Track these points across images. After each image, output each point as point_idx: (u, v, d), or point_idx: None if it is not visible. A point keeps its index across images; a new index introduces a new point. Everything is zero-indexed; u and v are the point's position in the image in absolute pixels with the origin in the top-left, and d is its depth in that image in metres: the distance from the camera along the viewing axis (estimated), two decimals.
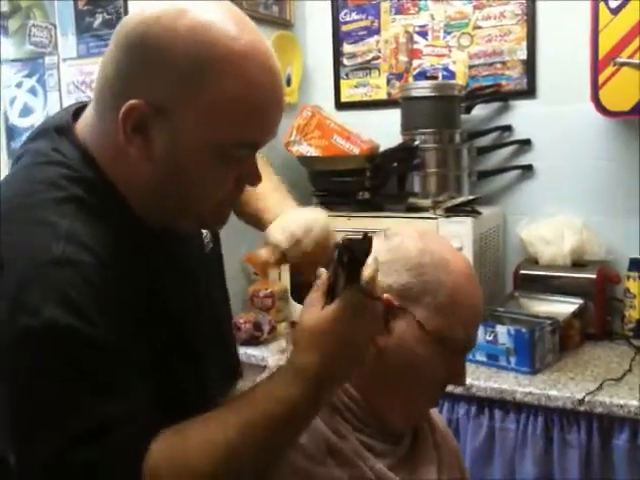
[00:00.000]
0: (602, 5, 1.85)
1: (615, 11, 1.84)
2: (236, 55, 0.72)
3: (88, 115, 0.81)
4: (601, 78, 1.89)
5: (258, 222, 1.00)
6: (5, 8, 2.32)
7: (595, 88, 1.90)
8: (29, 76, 2.31)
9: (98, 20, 2.14)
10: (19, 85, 2.34)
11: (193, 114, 0.72)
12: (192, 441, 0.70)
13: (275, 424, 0.71)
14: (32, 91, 2.31)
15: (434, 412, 1.06)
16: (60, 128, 0.81)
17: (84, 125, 0.81)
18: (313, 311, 0.74)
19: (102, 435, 0.67)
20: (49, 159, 0.78)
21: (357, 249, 0.71)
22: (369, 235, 0.72)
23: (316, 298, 0.75)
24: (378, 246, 0.90)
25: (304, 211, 0.97)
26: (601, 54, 1.88)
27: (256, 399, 0.73)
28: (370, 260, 0.73)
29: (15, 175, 0.81)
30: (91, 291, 0.69)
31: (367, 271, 0.73)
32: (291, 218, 0.94)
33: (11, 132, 2.33)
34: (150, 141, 0.74)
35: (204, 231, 0.97)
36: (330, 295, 0.75)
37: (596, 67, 1.89)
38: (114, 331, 0.70)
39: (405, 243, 0.91)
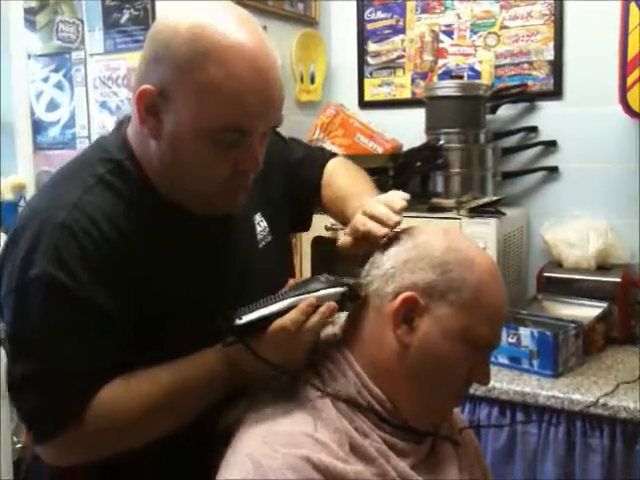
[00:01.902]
0: (633, 5, 1.82)
1: None
2: (221, 48, 0.82)
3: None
4: (629, 80, 1.87)
5: (342, 215, 1.07)
6: (33, 3, 2.34)
7: (623, 90, 1.88)
8: (56, 71, 2.33)
9: (125, 16, 2.16)
10: (46, 80, 2.36)
11: (186, 98, 0.83)
12: (132, 393, 0.86)
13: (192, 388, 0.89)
14: (59, 86, 2.33)
15: (458, 416, 1.06)
16: (121, 121, 0.97)
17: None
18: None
19: (60, 372, 0.83)
20: (95, 145, 0.98)
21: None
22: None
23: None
24: (403, 243, 0.92)
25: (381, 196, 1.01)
26: (630, 55, 1.86)
27: (189, 363, 0.89)
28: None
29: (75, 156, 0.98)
30: (81, 253, 0.83)
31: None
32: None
33: (37, 126, 2.35)
34: (160, 122, 0.86)
35: (260, 226, 1.03)
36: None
37: (625, 69, 1.87)
38: (96, 291, 0.84)
39: (430, 241, 0.91)
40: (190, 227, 0.93)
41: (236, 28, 0.84)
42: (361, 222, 0.93)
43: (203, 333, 0.88)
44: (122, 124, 0.96)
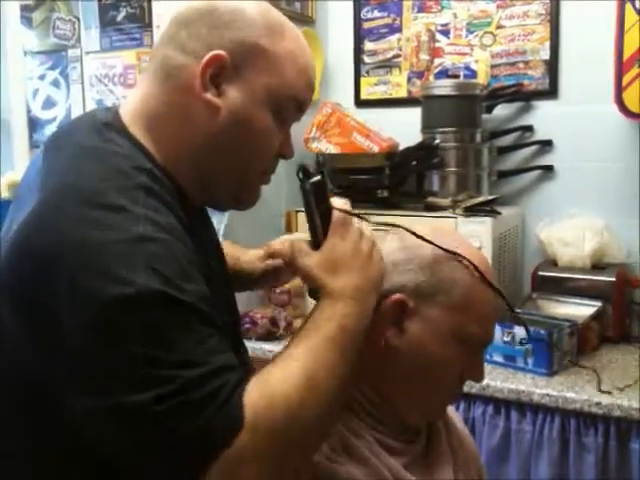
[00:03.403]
0: (628, 5, 1.83)
1: None
2: (289, 24, 0.87)
3: (131, 107, 0.87)
4: (625, 79, 1.87)
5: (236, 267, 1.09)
6: (30, 1, 2.34)
7: (619, 89, 1.88)
8: (52, 68, 2.33)
9: (122, 14, 2.16)
10: (42, 77, 2.36)
11: (263, 65, 0.83)
12: (274, 382, 0.72)
13: (335, 344, 0.76)
14: (55, 83, 2.33)
15: (452, 413, 1.05)
16: (107, 124, 0.84)
17: (130, 117, 0.86)
18: (311, 254, 0.81)
19: (199, 385, 0.69)
20: (106, 151, 0.81)
21: (315, 174, 0.82)
22: (304, 164, 0.83)
23: (303, 247, 0.82)
24: (391, 244, 0.91)
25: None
26: (626, 55, 1.86)
27: (309, 330, 0.77)
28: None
29: (70, 166, 0.80)
30: (174, 262, 0.73)
31: (338, 202, 0.83)
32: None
33: (33, 124, 2.35)
34: (221, 93, 0.82)
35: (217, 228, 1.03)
36: (313, 239, 0.82)
37: (620, 68, 1.88)
38: (198, 298, 0.73)
39: (418, 241, 0.89)
40: (202, 227, 0.93)
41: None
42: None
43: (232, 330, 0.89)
44: (110, 125, 0.84)
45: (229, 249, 1.10)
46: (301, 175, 0.83)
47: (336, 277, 0.79)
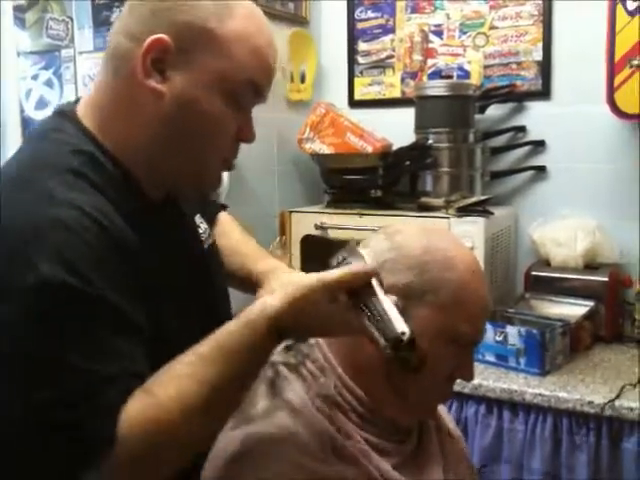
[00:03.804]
0: (619, 7, 1.84)
1: (633, 13, 1.83)
2: (243, 3, 0.83)
3: (88, 97, 0.87)
4: (617, 80, 1.88)
5: (244, 271, 1.06)
6: (23, 1, 2.33)
7: (611, 90, 1.89)
8: (45, 69, 2.32)
9: (115, 14, 2.14)
10: (35, 77, 2.35)
11: (212, 49, 0.79)
12: (162, 396, 0.70)
13: (213, 361, 0.73)
14: (48, 84, 2.32)
15: (444, 413, 1.06)
16: (61, 112, 0.86)
17: (84, 106, 0.85)
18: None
19: (82, 395, 0.68)
20: (50, 136, 0.82)
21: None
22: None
23: None
24: (381, 244, 0.90)
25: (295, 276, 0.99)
26: (617, 56, 1.87)
27: (227, 352, 0.74)
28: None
29: (19, 152, 0.84)
30: (88, 252, 0.71)
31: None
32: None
33: (27, 124, 2.34)
34: (165, 80, 0.79)
35: (201, 228, 1.00)
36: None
37: (612, 69, 1.88)
38: (110, 292, 0.71)
39: (408, 241, 0.90)
40: (163, 222, 0.88)
41: None
42: None
43: (193, 325, 0.83)
44: (63, 113, 0.85)
45: (251, 251, 1.10)
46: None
47: (287, 316, 0.75)
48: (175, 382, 0.71)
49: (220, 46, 0.79)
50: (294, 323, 0.75)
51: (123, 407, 0.69)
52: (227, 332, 0.75)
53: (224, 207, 1.21)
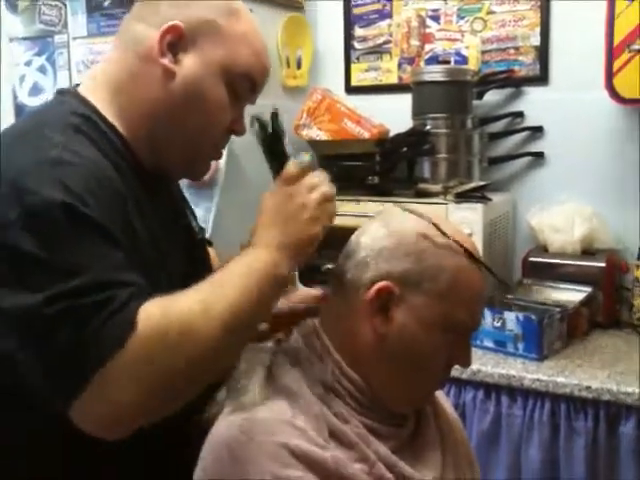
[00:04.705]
0: None
1: None
2: (246, 10, 0.94)
3: (89, 78, 0.94)
4: (615, 65, 1.87)
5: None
6: None
7: (609, 75, 1.88)
8: (38, 55, 2.30)
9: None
10: (28, 64, 2.33)
11: (219, 41, 0.89)
12: (173, 303, 0.74)
13: (240, 282, 0.79)
14: (42, 70, 2.30)
15: (442, 398, 1.06)
16: (61, 90, 0.94)
17: (85, 86, 0.93)
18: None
19: (95, 292, 0.71)
20: (51, 105, 0.92)
21: (271, 125, 0.91)
22: (275, 110, 0.92)
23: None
24: (378, 231, 0.90)
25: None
26: (616, 41, 1.86)
27: (222, 268, 0.82)
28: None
29: (21, 118, 0.98)
30: (86, 184, 0.76)
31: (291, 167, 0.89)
32: None
33: (20, 110, 2.32)
34: (176, 62, 0.88)
35: (193, 223, 1.06)
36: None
37: (611, 54, 1.87)
38: (108, 221, 0.76)
39: (405, 228, 0.89)
40: (154, 193, 0.93)
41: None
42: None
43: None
44: (64, 90, 0.94)
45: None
46: (256, 126, 0.90)
47: (268, 229, 0.85)
48: (196, 293, 0.76)
49: (227, 40, 0.89)
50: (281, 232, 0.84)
51: (141, 304, 0.72)
52: (233, 262, 0.82)
53: (210, 243, 1.23)
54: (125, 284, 0.73)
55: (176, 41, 0.87)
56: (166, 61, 0.87)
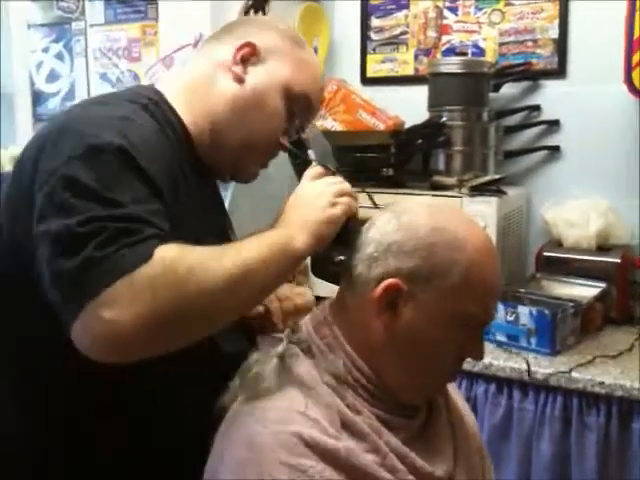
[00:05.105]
0: None
1: None
2: (307, 45, 1.09)
3: (168, 80, 1.09)
4: (635, 59, 1.85)
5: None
6: None
7: (628, 69, 1.86)
8: (56, 41, 2.31)
9: None
10: (46, 50, 2.34)
11: (286, 63, 1.03)
12: (191, 249, 0.80)
13: (259, 250, 0.84)
14: (59, 56, 2.31)
15: (454, 390, 1.05)
16: (139, 85, 1.14)
17: (160, 83, 1.05)
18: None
19: (124, 222, 0.77)
20: (129, 89, 1.07)
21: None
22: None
23: None
24: (387, 225, 0.89)
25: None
26: (636, 34, 1.84)
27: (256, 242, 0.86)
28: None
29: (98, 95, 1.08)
30: (143, 141, 0.86)
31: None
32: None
33: (37, 97, 2.33)
34: (247, 72, 1.01)
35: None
36: None
37: (630, 47, 1.85)
38: (155, 176, 0.84)
39: (415, 222, 0.87)
40: (204, 185, 1.04)
41: None
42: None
43: None
44: (141, 85, 1.13)
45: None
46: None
47: (288, 213, 0.91)
48: (214, 248, 0.82)
49: (291, 63, 1.03)
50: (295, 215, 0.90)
51: (161, 244, 0.77)
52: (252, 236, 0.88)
53: None
54: (154, 226, 0.79)
55: (249, 56, 1.01)
56: (238, 69, 1.01)
